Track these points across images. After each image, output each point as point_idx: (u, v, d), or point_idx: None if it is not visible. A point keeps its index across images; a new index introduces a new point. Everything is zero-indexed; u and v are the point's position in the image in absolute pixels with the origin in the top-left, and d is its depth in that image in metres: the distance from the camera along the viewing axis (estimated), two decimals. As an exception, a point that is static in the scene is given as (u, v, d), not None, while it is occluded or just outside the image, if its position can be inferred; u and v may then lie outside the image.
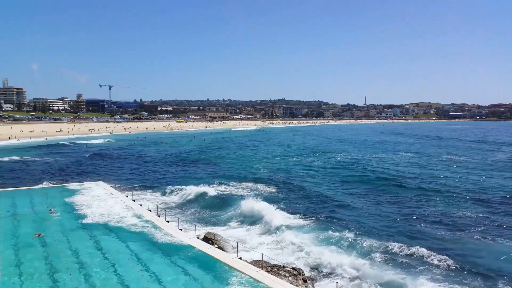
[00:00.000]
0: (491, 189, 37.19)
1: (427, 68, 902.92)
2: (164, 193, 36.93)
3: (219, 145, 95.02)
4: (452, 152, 75.76)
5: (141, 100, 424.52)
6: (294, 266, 18.84)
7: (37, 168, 52.64)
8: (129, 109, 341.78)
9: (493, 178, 44.01)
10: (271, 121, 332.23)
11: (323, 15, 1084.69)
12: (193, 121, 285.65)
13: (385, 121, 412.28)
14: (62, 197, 30.67)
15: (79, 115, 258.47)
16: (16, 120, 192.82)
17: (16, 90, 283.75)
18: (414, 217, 27.66)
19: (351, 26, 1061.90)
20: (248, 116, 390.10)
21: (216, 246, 20.11)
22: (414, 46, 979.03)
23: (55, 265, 16.57)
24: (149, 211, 26.50)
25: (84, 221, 23.65)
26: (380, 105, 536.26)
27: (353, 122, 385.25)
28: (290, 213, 28.30)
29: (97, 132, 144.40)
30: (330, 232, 23.73)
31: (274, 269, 17.38)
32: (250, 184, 40.03)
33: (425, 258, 19.88)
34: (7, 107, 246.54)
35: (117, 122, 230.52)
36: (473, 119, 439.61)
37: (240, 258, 18.05)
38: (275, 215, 27.44)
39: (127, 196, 31.40)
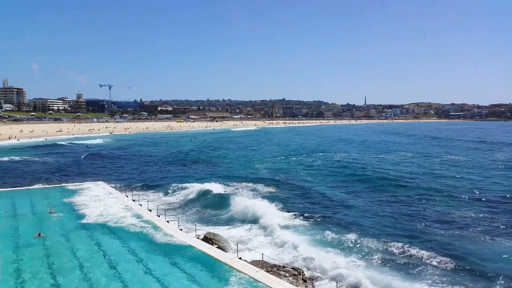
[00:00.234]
0: (490, 189, 37.17)
1: (427, 68, 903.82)
2: (164, 193, 36.93)
3: (219, 145, 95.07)
4: (451, 152, 75.74)
5: (141, 100, 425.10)
6: (294, 266, 18.83)
7: (37, 168, 52.64)
8: (129, 109, 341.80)
9: (492, 178, 43.97)
10: (271, 121, 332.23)
11: (323, 15, 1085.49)
12: (193, 121, 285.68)
13: (385, 121, 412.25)
14: (62, 197, 30.67)
15: (79, 115, 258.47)
16: (16, 120, 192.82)
17: (16, 90, 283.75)
18: (414, 217, 27.65)
19: (351, 26, 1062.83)
20: (248, 116, 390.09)
21: (216, 246, 20.10)
22: (414, 46, 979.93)
23: (55, 265, 16.57)
24: (149, 211, 26.50)
25: (84, 221, 23.64)
26: (380, 105, 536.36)
27: (353, 122, 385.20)
28: (290, 213, 28.30)
29: (97, 132, 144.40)
30: (329, 232, 23.70)
31: (274, 269, 17.38)
32: (250, 184, 40.04)
33: (424, 259, 19.85)
34: (7, 107, 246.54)
35: (117, 122, 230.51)
36: (473, 119, 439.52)
37: (240, 258, 18.05)
38: (275, 215, 27.47)
39: (127, 196, 31.40)
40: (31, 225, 22.68)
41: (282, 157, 67.51)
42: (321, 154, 73.10)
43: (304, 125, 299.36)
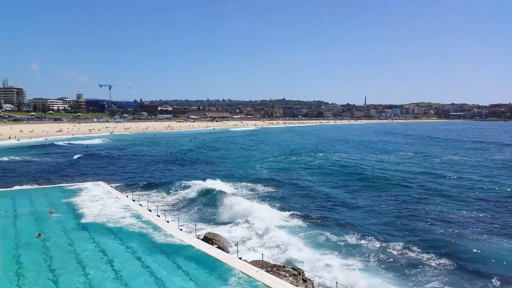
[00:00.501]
0: (489, 189, 37.17)
1: (427, 68, 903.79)
2: (164, 193, 36.93)
3: (219, 145, 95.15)
4: (450, 152, 75.80)
5: (141, 100, 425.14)
6: (294, 266, 18.82)
7: (37, 168, 52.63)
8: (129, 109, 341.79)
9: (491, 178, 43.97)
10: (271, 121, 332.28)
11: (323, 15, 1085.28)
12: (193, 121, 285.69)
13: (385, 121, 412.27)
14: (62, 197, 30.67)
15: (79, 115, 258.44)
16: (16, 120, 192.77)
17: (16, 90, 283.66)
18: (413, 218, 27.66)
19: (351, 26, 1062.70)
20: (248, 116, 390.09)
21: (216, 246, 20.09)
22: (414, 46, 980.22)
23: (55, 265, 16.57)
24: (149, 211, 26.50)
25: (84, 221, 23.64)
26: (380, 105, 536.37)
27: (353, 122, 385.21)
28: (289, 214, 28.29)
29: (97, 132, 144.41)
30: (329, 232, 23.74)
31: (274, 269, 17.37)
32: (249, 184, 40.17)
33: (424, 260, 19.85)
34: (7, 107, 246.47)
35: (117, 122, 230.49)
36: (473, 119, 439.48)
37: (240, 258, 18.05)
38: (274, 215, 27.54)
39: (127, 196, 31.39)
40: (31, 225, 22.68)
41: (282, 157, 67.64)
42: (320, 154, 73.20)
43: (303, 125, 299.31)
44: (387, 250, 21.11)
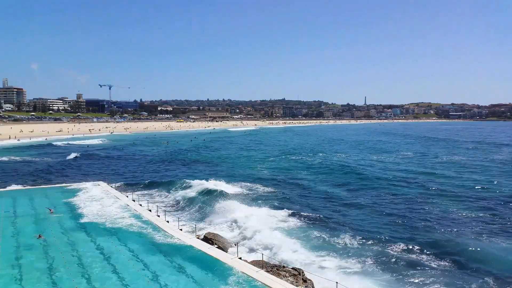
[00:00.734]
0: (489, 189, 37.17)
1: (427, 68, 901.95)
2: (164, 193, 36.92)
3: (219, 145, 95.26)
4: (449, 152, 75.81)
5: (141, 100, 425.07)
6: (294, 266, 18.82)
7: (37, 168, 52.64)
8: (129, 109, 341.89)
9: (490, 177, 43.98)
10: (271, 121, 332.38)
11: (323, 15, 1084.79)
12: (193, 121, 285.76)
13: (385, 121, 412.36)
14: (62, 197, 30.70)
15: (79, 115, 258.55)
16: (16, 120, 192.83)
17: (16, 90, 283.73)
18: (412, 217, 27.64)
19: (351, 26, 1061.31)
20: (248, 116, 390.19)
21: (216, 246, 20.11)
22: (414, 46, 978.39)
23: (55, 265, 16.59)
24: (149, 211, 26.52)
25: (84, 221, 23.66)
26: (380, 105, 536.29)
27: (353, 122, 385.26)
28: (289, 214, 28.29)
29: (97, 132, 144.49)
30: (328, 233, 23.78)
31: (274, 269, 17.38)
32: (249, 184, 40.24)
33: (424, 260, 19.84)
34: (7, 107, 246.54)
35: (117, 122, 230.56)
36: (473, 119, 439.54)
37: (240, 258, 18.07)
38: (274, 215, 27.59)
39: (127, 196, 31.41)
40: (31, 225, 22.70)
41: (282, 157, 67.69)
42: (320, 154, 73.25)
43: (303, 125, 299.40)
44: (387, 250, 21.09)
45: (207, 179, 40.14)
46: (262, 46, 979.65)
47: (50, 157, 66.16)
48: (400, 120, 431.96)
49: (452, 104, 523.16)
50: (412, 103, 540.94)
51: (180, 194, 35.76)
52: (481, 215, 28.08)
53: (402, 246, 21.59)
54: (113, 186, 36.34)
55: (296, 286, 15.59)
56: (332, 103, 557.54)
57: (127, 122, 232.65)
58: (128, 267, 16.40)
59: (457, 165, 55.67)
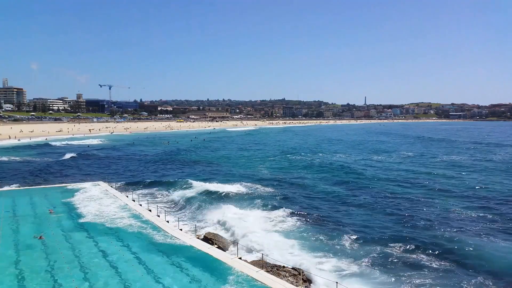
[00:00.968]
0: (487, 189, 37.16)
1: (427, 68, 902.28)
2: (164, 193, 36.89)
3: (219, 145, 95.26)
4: (448, 152, 75.80)
5: (141, 100, 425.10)
6: (294, 266, 18.81)
7: (37, 168, 52.62)
8: (129, 109, 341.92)
9: (489, 177, 43.97)
10: (271, 121, 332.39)
11: (323, 15, 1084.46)
12: (193, 121, 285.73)
13: (385, 121, 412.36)
14: (62, 197, 30.69)
15: (79, 115, 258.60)
16: (16, 120, 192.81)
17: (16, 90, 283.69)
18: (412, 218, 27.59)
19: (351, 26, 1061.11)
20: (248, 116, 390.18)
21: (216, 246, 20.10)
22: (414, 46, 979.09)
23: (55, 265, 16.58)
24: (149, 211, 26.51)
25: (84, 221, 23.65)
26: (380, 105, 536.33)
27: (353, 122, 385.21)
28: (288, 214, 28.27)
29: (97, 132, 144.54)
30: (328, 233, 23.75)
31: (274, 269, 17.38)
32: (249, 184, 40.10)
33: (424, 261, 19.79)
34: (7, 107, 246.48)
35: (117, 122, 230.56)
36: (473, 119, 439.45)
37: (240, 258, 18.07)
38: (274, 215, 27.56)
39: (127, 196, 31.40)
40: (31, 225, 22.69)
41: (282, 157, 67.68)
42: (320, 154, 73.28)
43: (302, 125, 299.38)
44: (387, 250, 21.04)
45: (207, 179, 40.15)
46: (262, 46, 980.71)
47: (50, 157, 66.13)
48: (400, 120, 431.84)
49: (452, 104, 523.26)
50: (412, 103, 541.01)
51: (180, 194, 35.73)
52: (481, 214, 28.04)
53: (402, 246, 21.57)
54: (113, 186, 36.33)
55: (296, 286, 15.58)
56: (332, 103, 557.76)
57: (127, 122, 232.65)
58: (128, 267, 16.38)
59: (457, 165, 55.66)
